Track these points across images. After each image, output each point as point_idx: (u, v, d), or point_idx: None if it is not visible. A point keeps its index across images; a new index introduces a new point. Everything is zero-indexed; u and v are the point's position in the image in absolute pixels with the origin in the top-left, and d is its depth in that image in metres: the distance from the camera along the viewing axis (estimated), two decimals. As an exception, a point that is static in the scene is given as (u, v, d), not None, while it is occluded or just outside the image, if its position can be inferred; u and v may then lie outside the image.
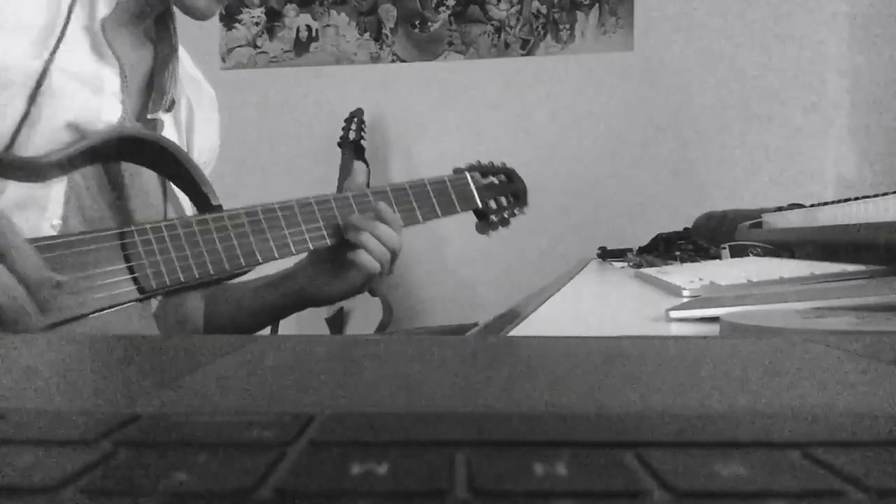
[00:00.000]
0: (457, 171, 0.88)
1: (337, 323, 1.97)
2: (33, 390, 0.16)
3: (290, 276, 0.82)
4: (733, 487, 0.09)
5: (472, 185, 0.88)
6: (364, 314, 1.95)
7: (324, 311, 1.97)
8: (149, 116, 0.71)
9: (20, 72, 0.60)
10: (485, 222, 0.91)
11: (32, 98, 0.59)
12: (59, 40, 0.62)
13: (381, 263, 0.76)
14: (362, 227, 0.74)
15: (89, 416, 0.13)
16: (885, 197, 0.67)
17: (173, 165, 0.67)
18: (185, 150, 0.76)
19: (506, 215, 0.92)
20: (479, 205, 0.88)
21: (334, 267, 0.78)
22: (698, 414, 0.13)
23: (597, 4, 2.08)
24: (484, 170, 0.91)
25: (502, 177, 0.93)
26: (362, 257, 0.74)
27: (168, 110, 0.73)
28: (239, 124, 2.17)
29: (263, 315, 0.83)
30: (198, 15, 0.71)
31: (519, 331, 0.44)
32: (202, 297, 0.83)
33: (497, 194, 0.91)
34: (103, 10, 0.67)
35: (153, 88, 0.73)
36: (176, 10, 0.75)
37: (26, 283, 0.50)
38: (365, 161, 2.08)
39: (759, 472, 0.10)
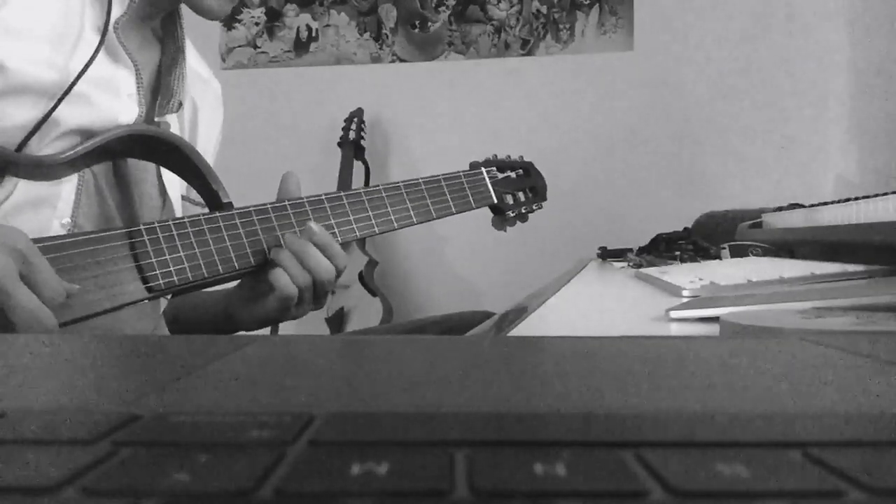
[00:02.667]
0: (473, 165, 0.87)
1: (337, 323, 1.97)
2: (33, 390, 0.16)
3: (224, 296, 0.75)
4: (733, 487, 0.09)
5: (487, 180, 0.86)
6: (364, 314, 1.94)
7: (324, 311, 1.97)
8: (156, 119, 0.71)
9: (37, 78, 0.60)
10: (501, 218, 0.89)
11: (55, 106, 0.59)
12: (97, 52, 0.62)
13: (299, 288, 0.66)
14: (287, 246, 0.66)
15: (89, 416, 0.13)
16: (885, 197, 0.67)
17: (184, 162, 0.67)
18: None
19: (523, 210, 0.90)
20: (495, 200, 0.86)
21: (256, 290, 0.70)
22: (698, 414, 0.13)
23: (597, 4, 2.08)
24: (500, 164, 0.89)
25: (520, 171, 0.91)
26: (279, 278, 0.65)
27: (175, 112, 0.73)
28: (239, 124, 2.17)
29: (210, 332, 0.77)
30: (210, 15, 0.71)
31: (519, 331, 0.44)
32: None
33: (514, 189, 0.89)
34: (116, 10, 0.67)
35: (160, 90, 0.72)
36: (182, 8, 0.75)
37: (49, 305, 0.52)
38: (365, 161, 2.08)
39: (759, 471, 0.10)
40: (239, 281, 0.73)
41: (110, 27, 0.66)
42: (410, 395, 0.15)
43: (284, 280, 0.65)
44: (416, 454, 0.11)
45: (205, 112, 0.81)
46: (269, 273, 0.65)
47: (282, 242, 0.66)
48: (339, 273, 0.68)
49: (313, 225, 0.67)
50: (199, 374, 0.17)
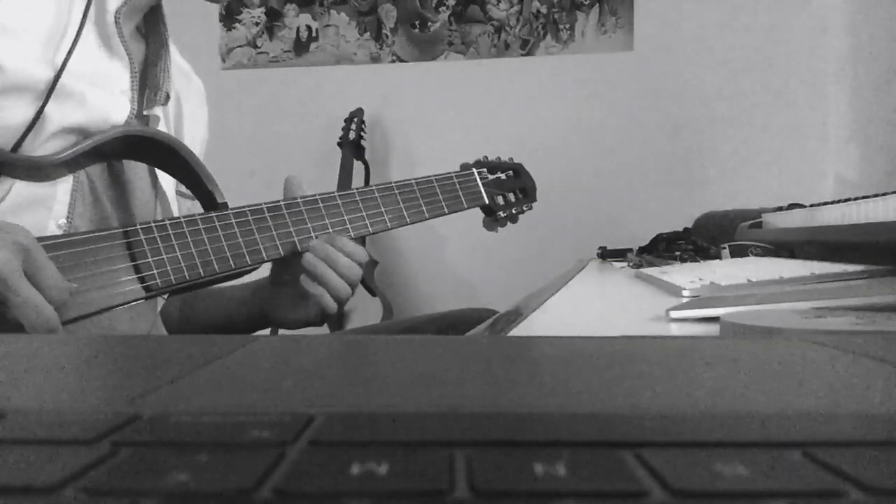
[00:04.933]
0: (464, 167, 0.88)
1: (337, 323, 1.97)
2: (33, 390, 0.16)
3: (255, 293, 0.77)
4: (733, 487, 0.09)
5: (479, 181, 0.87)
6: (364, 314, 1.94)
7: (324, 311, 1.97)
8: (144, 112, 0.71)
9: (32, 76, 0.60)
10: (492, 219, 0.90)
11: (45, 103, 0.59)
12: (75, 43, 0.62)
13: (339, 301, 0.69)
14: (324, 259, 0.68)
15: (89, 416, 0.13)
16: (885, 197, 0.67)
17: (179, 163, 0.67)
18: None
19: (514, 211, 0.91)
20: (486, 201, 0.87)
21: (292, 293, 0.72)
22: (698, 414, 0.13)
23: (597, 4, 2.08)
24: (491, 165, 0.90)
25: (510, 172, 0.92)
26: (321, 295, 0.68)
27: (163, 104, 0.73)
28: (239, 124, 2.17)
29: (233, 329, 0.80)
30: None
31: (519, 331, 0.44)
32: (181, 297, 0.83)
33: (505, 190, 0.90)
34: (114, 2, 0.67)
35: (147, 84, 0.72)
36: (164, 6, 0.75)
37: (52, 301, 0.52)
38: (365, 161, 2.08)
39: (759, 472, 0.10)
40: (269, 281, 0.75)
41: (109, 18, 0.66)
42: (410, 395, 0.15)
43: (326, 299, 0.68)
44: (416, 454, 0.11)
45: (189, 107, 0.81)
46: (308, 288, 0.68)
47: (313, 254, 0.68)
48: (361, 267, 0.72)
49: (343, 238, 0.70)
50: (199, 374, 0.17)
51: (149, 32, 0.75)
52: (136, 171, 0.71)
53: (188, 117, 0.80)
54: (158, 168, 0.71)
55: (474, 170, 0.87)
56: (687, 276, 0.64)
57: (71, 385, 0.17)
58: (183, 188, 0.76)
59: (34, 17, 0.61)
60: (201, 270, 0.63)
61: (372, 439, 0.12)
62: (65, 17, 0.63)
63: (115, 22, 0.66)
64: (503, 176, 0.91)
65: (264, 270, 0.74)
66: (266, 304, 0.76)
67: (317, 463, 0.10)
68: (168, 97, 0.74)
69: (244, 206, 0.68)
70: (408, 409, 0.14)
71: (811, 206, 0.90)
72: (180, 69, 0.81)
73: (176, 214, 0.72)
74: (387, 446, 0.11)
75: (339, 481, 0.10)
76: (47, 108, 0.60)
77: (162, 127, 0.74)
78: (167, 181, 0.74)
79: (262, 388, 0.16)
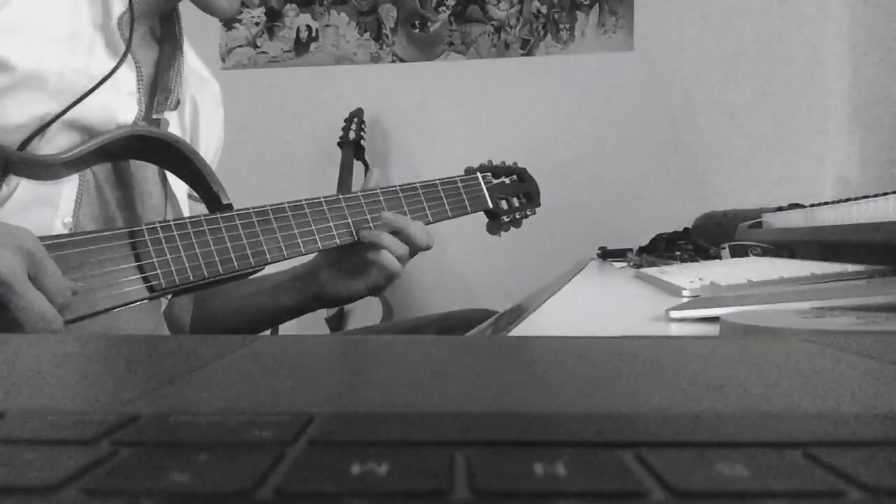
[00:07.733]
0: (468, 171, 0.88)
1: (337, 323, 1.97)
2: (33, 390, 0.16)
3: (304, 277, 0.81)
4: (733, 487, 0.09)
5: (483, 185, 0.87)
6: (364, 314, 1.94)
7: (324, 311, 1.97)
8: (154, 116, 0.71)
9: (42, 76, 0.60)
10: (496, 223, 0.90)
11: (70, 107, 0.60)
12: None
13: (401, 260, 0.75)
14: (382, 226, 0.74)
15: (89, 416, 0.13)
16: (885, 197, 0.67)
17: (184, 164, 0.67)
18: None
19: (517, 216, 0.92)
20: (490, 206, 0.88)
21: (353, 267, 0.78)
22: (698, 414, 0.13)
23: (597, 4, 2.08)
24: (495, 170, 0.91)
25: (514, 177, 0.92)
26: (383, 257, 0.74)
27: (173, 109, 0.73)
28: (239, 124, 2.17)
29: (267, 315, 0.82)
30: (220, 13, 0.72)
31: (519, 331, 0.44)
32: (191, 298, 0.83)
33: (508, 195, 0.91)
34: (118, 7, 0.67)
35: (158, 88, 0.73)
36: (180, 7, 0.75)
37: (55, 303, 0.52)
38: (365, 161, 2.08)
39: (759, 472, 0.10)
40: (324, 262, 0.79)
41: (113, 24, 0.66)
42: (410, 395, 0.15)
43: (388, 258, 0.74)
44: (416, 454, 0.11)
45: (205, 112, 0.81)
46: (372, 255, 0.74)
47: (372, 225, 0.75)
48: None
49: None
50: (199, 374, 0.17)
51: (164, 36, 0.75)
52: (144, 172, 0.71)
53: (204, 121, 0.81)
54: (165, 169, 0.71)
55: (479, 174, 0.88)
56: (687, 276, 0.64)
57: (71, 385, 0.17)
58: (194, 192, 0.76)
59: (47, 17, 0.62)
60: (205, 272, 0.63)
61: (372, 439, 0.12)
62: (77, 20, 0.64)
63: (119, 27, 0.66)
64: (507, 180, 0.91)
65: (276, 267, 0.75)
66: (327, 284, 0.79)
67: (316, 463, 0.10)
68: (178, 102, 0.74)
69: (249, 208, 0.68)
70: (408, 409, 0.14)
71: (811, 206, 0.90)
72: (196, 73, 0.81)
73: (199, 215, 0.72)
74: (387, 446, 0.11)
75: (338, 481, 0.10)
76: (55, 107, 0.60)
77: (175, 131, 0.74)
78: (178, 184, 0.74)
79: (262, 388, 0.16)
